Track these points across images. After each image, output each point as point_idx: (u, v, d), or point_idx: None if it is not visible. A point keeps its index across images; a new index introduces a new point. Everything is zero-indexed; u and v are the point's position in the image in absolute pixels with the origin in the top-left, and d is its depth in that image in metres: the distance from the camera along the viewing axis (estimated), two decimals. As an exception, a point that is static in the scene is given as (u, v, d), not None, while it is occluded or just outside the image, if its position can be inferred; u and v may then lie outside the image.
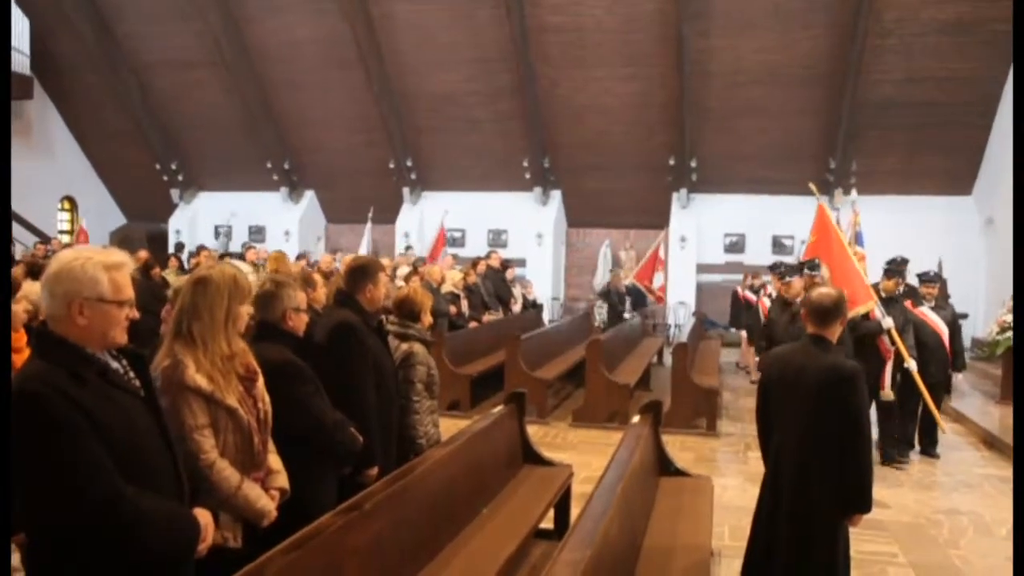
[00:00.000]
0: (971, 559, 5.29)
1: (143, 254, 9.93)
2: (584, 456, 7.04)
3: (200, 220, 19.51)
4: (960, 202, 15.50)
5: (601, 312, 14.13)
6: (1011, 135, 13.84)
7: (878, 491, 6.41)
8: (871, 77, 14.29)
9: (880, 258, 9.01)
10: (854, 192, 8.87)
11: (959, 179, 15.47)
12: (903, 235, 13.49)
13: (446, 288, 10.31)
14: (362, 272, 4.02)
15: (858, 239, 8.16)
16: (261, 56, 16.66)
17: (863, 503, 3.58)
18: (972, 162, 15.25)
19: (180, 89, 17.61)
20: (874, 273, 9.43)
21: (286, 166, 18.54)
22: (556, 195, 17.74)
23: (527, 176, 17.07)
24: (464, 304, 10.64)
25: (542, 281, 16.53)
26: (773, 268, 10.36)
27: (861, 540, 5.18)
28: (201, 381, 2.71)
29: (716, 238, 16.62)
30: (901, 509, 6.29)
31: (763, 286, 10.88)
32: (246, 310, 2.98)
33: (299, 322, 3.52)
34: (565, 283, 18.06)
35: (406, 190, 18.10)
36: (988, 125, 14.58)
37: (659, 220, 16.91)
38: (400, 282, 9.96)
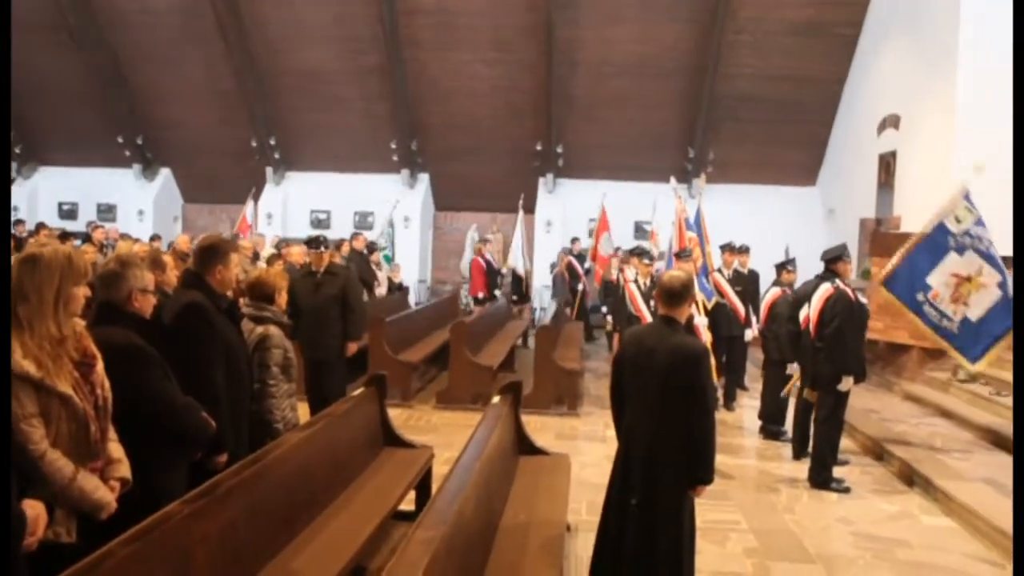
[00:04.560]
0: (804, 523, 5.70)
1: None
2: (447, 438, 7.09)
3: (41, 197, 18.22)
4: (805, 192, 16.51)
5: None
6: (849, 133, 14.90)
7: (724, 462, 6.84)
8: (727, 71, 14.96)
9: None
10: (673, 180, 9.32)
11: (805, 171, 16.48)
12: (755, 222, 14.27)
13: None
14: (212, 252, 3.88)
15: (687, 224, 8.56)
16: (111, 23, 15.65)
17: (706, 475, 3.78)
18: (816, 156, 16.27)
19: (17, 54, 16.27)
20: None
21: (139, 141, 17.55)
22: (424, 178, 17.66)
23: (394, 158, 16.89)
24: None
25: (409, 264, 16.45)
26: (635, 251, 10.70)
27: (707, 510, 5.48)
28: (29, 367, 2.54)
29: (581, 223, 16.98)
30: (744, 479, 6.69)
31: (621, 270, 11.21)
32: (82, 291, 2.81)
33: (146, 303, 3.37)
34: (432, 266, 18.04)
35: (269, 170, 17.51)
36: (830, 122, 15.60)
37: (526, 205, 17.13)
38: (263, 264, 9.67)
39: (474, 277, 14.53)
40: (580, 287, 13.87)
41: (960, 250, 7.12)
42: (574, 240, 15.77)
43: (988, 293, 7.06)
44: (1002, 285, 7.03)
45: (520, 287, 15.04)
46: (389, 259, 14.30)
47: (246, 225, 13.83)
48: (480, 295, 14.06)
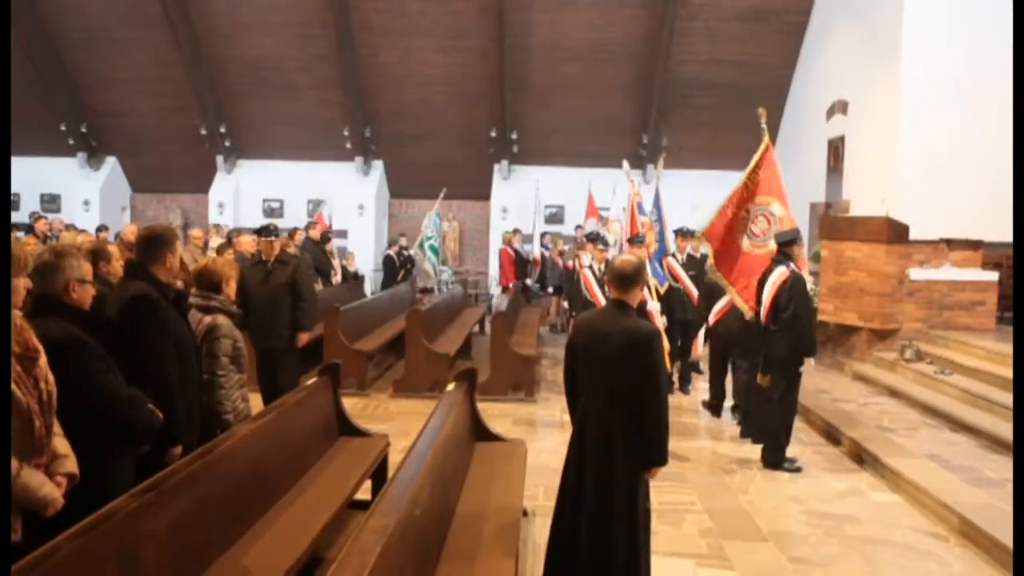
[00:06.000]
0: (758, 502, 5.80)
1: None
2: (404, 426, 7.07)
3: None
4: (757, 178, 16.71)
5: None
6: (798, 119, 15.12)
7: (680, 445, 6.93)
8: (679, 57, 15.08)
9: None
10: (625, 164, 9.41)
11: (756, 157, 16.65)
12: (708, 207, 14.38)
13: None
14: (157, 241, 3.78)
15: (640, 209, 8.65)
16: (51, 7, 15.21)
17: (660, 457, 3.81)
18: (767, 142, 16.47)
19: (-48, 40, 15.75)
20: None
21: (83, 129, 17.10)
22: (378, 165, 17.51)
23: (348, 146, 16.72)
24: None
25: (364, 252, 16.31)
26: (590, 237, 10.74)
27: (663, 491, 5.56)
28: (-35, 360, 2.47)
29: (537, 208, 17.01)
30: (700, 461, 6.78)
31: (577, 256, 11.26)
32: (22, 283, 2.74)
33: (84, 294, 3.28)
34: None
35: (220, 158, 17.22)
36: (780, 107, 15.79)
37: (481, 191, 17.11)
38: (212, 253, 9.52)
39: (504, 267, 14.75)
40: None
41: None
42: (577, 227, 15.86)
43: None
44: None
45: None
46: (436, 250, 14.20)
47: (324, 225, 13.66)
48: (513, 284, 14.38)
